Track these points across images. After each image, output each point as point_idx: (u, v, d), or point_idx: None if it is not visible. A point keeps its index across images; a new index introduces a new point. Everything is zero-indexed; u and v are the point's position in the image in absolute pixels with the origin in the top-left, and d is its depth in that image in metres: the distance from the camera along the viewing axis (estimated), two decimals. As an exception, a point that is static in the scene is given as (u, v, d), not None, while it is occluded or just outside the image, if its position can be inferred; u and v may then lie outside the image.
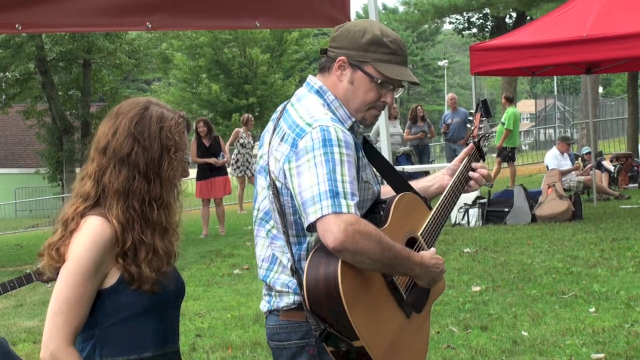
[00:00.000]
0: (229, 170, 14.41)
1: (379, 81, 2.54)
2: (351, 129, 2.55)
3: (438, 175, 2.91)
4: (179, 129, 2.42)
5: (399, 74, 2.56)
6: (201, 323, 6.83)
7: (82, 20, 5.03)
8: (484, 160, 2.98)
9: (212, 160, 12.64)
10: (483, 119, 3.04)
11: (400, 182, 2.74)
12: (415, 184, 2.86)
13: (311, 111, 2.48)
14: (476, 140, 2.98)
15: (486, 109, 3.05)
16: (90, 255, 2.31)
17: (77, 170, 29.58)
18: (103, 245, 2.32)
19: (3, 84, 27.49)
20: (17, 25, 4.74)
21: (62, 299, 2.31)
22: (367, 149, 2.67)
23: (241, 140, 15.78)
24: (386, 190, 2.75)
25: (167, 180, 2.39)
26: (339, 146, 2.37)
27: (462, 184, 2.85)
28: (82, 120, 27.90)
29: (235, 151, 15.85)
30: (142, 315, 2.37)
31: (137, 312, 2.37)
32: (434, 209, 2.72)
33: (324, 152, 2.35)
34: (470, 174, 2.87)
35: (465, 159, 2.89)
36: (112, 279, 2.35)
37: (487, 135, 3.04)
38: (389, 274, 2.44)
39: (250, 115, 16.77)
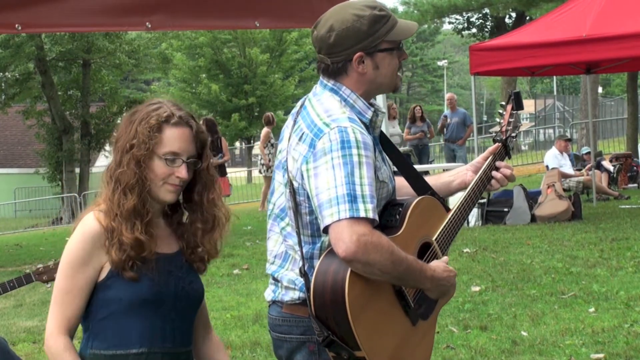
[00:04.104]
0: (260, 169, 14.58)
1: (396, 47, 2.55)
2: (371, 120, 2.53)
3: (461, 170, 2.85)
4: (154, 121, 2.40)
5: (406, 31, 2.57)
6: (201, 323, 6.83)
7: (82, 20, 5.03)
8: (509, 158, 2.90)
9: None
10: (514, 112, 2.94)
11: (419, 181, 2.69)
12: (437, 178, 2.83)
13: (328, 109, 2.46)
14: (503, 137, 2.89)
15: (518, 101, 2.94)
16: (78, 247, 2.40)
17: (77, 170, 29.69)
18: (90, 238, 2.39)
19: (3, 84, 27.49)
20: (17, 25, 4.74)
21: (56, 290, 2.44)
22: (384, 142, 2.65)
23: (272, 141, 15.92)
24: (401, 184, 2.72)
25: (128, 168, 2.39)
26: (358, 147, 2.35)
27: (484, 183, 2.79)
28: (81, 120, 27.91)
29: (267, 151, 15.86)
30: (129, 312, 2.42)
31: (124, 308, 2.41)
32: (452, 211, 2.67)
33: (342, 154, 2.34)
34: (493, 173, 2.80)
35: (490, 158, 2.82)
36: (104, 272, 2.42)
37: (516, 129, 2.94)
38: (399, 285, 2.44)
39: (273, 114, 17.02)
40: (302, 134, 2.45)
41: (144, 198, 2.41)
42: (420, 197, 2.59)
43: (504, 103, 2.99)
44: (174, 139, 2.41)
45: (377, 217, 2.34)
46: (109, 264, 2.40)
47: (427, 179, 2.78)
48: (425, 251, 2.56)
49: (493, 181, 2.81)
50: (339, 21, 2.49)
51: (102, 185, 2.47)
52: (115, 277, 2.41)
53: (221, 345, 2.70)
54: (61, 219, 24.65)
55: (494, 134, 2.95)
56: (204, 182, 2.50)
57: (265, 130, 16.00)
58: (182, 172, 2.41)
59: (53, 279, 4.04)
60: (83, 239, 2.40)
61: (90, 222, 2.41)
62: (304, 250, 2.46)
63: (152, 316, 2.44)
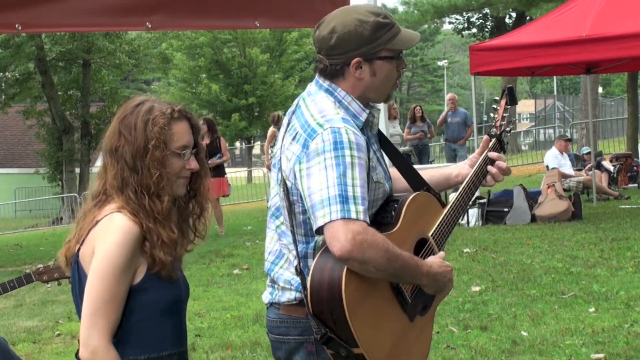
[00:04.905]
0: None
1: (396, 56, 2.55)
2: (366, 122, 2.53)
3: (459, 164, 2.85)
4: (163, 119, 2.41)
5: (408, 41, 2.57)
6: (201, 323, 6.83)
7: (82, 20, 5.02)
8: (504, 153, 2.89)
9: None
10: (508, 107, 2.94)
11: (415, 177, 2.70)
12: (435, 172, 2.83)
13: (322, 110, 2.46)
14: (498, 132, 2.88)
15: (512, 96, 2.93)
16: (122, 252, 2.32)
17: (77, 170, 29.62)
18: (133, 241, 2.34)
19: (3, 84, 27.51)
20: (17, 25, 4.74)
21: (98, 298, 2.32)
22: (381, 141, 2.65)
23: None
24: (395, 177, 2.72)
25: (154, 170, 2.39)
26: (350, 148, 2.35)
27: (480, 178, 2.78)
28: (81, 120, 27.93)
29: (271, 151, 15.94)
30: (163, 313, 2.41)
31: (158, 310, 2.40)
32: (448, 206, 2.67)
33: (335, 154, 2.34)
34: (489, 168, 2.79)
35: (485, 153, 2.81)
36: (139, 276, 2.37)
37: (510, 124, 2.93)
38: (396, 282, 2.44)
39: (280, 113, 17.01)
40: (296, 133, 2.46)
41: (174, 197, 2.45)
42: (415, 193, 2.60)
43: (497, 98, 2.99)
44: (181, 132, 2.44)
45: (367, 219, 2.34)
46: (144, 266, 2.36)
47: (427, 170, 2.80)
48: (421, 247, 2.57)
49: (488, 177, 2.80)
50: (342, 24, 2.49)
51: (113, 192, 2.41)
52: (152, 279, 2.37)
53: None
54: (61, 219, 24.66)
55: (489, 130, 2.95)
56: (200, 169, 2.53)
57: (271, 129, 16.00)
58: (193, 163, 2.46)
59: (53, 279, 4.05)
60: (125, 243, 2.32)
61: (128, 225, 2.34)
62: (299, 249, 2.46)
63: (177, 316, 2.46)
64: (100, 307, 2.31)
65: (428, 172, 2.80)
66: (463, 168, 2.82)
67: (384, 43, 2.50)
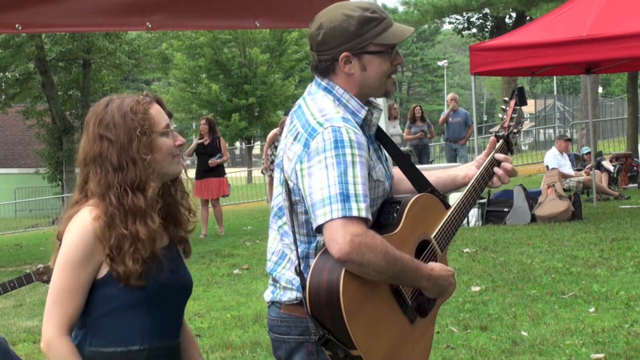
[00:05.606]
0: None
1: (386, 51, 2.53)
2: (365, 119, 2.53)
3: (467, 165, 2.84)
4: (140, 106, 2.44)
5: (398, 35, 2.55)
6: (201, 323, 6.84)
7: (82, 20, 5.03)
8: (512, 154, 2.86)
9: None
10: (517, 107, 2.91)
11: (418, 177, 2.68)
12: (442, 173, 2.81)
13: (322, 109, 2.46)
14: (505, 133, 2.86)
15: (522, 96, 2.91)
16: (80, 244, 2.36)
17: (77, 170, 29.87)
18: (89, 235, 2.37)
19: (3, 84, 27.54)
20: (17, 25, 4.74)
21: (56, 289, 2.38)
22: (382, 140, 2.64)
23: (276, 143, 15.96)
24: (400, 177, 2.71)
25: (140, 159, 2.41)
26: (351, 147, 2.35)
27: (486, 179, 2.76)
28: (82, 120, 27.90)
29: (269, 152, 15.95)
30: (130, 309, 2.41)
31: (125, 305, 2.41)
32: (452, 208, 2.66)
33: (335, 153, 2.34)
34: (495, 169, 2.77)
35: (492, 154, 2.79)
36: (103, 270, 2.40)
37: (519, 125, 2.91)
38: (396, 284, 2.43)
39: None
40: (297, 133, 2.46)
41: (161, 178, 2.47)
42: (418, 195, 2.59)
43: (506, 99, 2.96)
44: (159, 114, 2.49)
45: (370, 216, 2.34)
46: (108, 262, 2.38)
47: (434, 171, 2.79)
48: (424, 249, 2.55)
49: (494, 178, 2.77)
50: (329, 20, 2.50)
51: (95, 196, 2.43)
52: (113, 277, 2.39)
53: (191, 335, 2.74)
54: (61, 219, 24.66)
55: (496, 131, 2.92)
56: None
57: (272, 131, 15.99)
58: (179, 137, 2.52)
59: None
60: (82, 236, 2.36)
61: (87, 220, 2.38)
62: (300, 250, 2.46)
63: (153, 312, 2.45)
64: (57, 297, 2.37)
65: (435, 173, 2.79)
66: (470, 169, 2.80)
67: (372, 37, 2.49)
